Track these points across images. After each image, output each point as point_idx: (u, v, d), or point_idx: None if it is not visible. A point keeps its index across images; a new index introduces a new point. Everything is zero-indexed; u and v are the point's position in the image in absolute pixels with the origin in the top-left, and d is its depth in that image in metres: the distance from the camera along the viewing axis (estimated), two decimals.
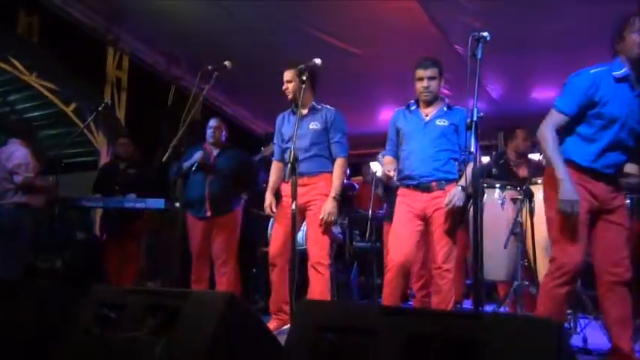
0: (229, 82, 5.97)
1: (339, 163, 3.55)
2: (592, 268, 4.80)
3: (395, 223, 3.33)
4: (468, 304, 5.10)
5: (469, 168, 3.09)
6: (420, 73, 3.26)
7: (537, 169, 4.09)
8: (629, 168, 3.59)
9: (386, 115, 7.23)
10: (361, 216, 5.55)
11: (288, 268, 3.53)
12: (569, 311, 3.47)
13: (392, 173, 3.26)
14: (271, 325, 3.48)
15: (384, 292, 3.32)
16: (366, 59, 5.42)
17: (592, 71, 2.60)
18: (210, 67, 3.08)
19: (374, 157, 5.94)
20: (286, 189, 3.56)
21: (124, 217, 4.74)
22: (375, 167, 5.94)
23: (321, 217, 3.37)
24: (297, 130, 2.96)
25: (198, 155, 4.14)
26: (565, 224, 2.58)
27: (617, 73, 2.57)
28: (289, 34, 5.04)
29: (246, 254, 4.68)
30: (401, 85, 4.35)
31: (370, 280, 5.35)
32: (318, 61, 3.00)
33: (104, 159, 6.08)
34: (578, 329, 3.30)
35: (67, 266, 4.98)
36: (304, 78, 2.98)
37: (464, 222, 4.53)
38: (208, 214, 4.15)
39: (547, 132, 2.63)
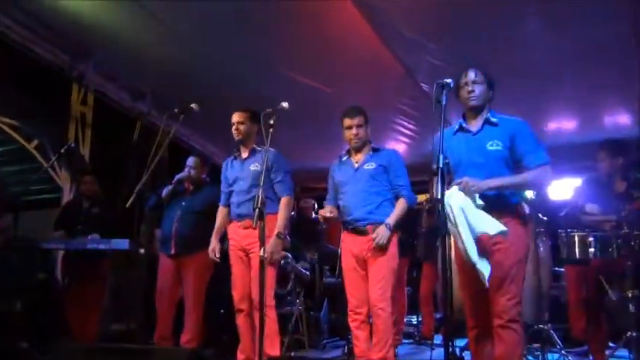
0: (197, 118, 5.97)
1: (283, 202, 3.60)
2: (558, 303, 4.92)
3: (343, 270, 3.45)
4: (438, 339, 5.11)
5: (398, 205, 3.32)
6: (348, 122, 3.45)
7: None
8: (589, 208, 3.69)
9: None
10: (331, 251, 5.53)
11: (255, 313, 3.48)
12: (537, 346, 3.51)
13: (329, 215, 3.41)
14: None
15: (354, 341, 3.38)
16: (333, 96, 5.46)
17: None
18: (176, 110, 3.06)
19: None
20: (232, 232, 3.66)
21: (88, 258, 4.58)
22: None
23: (263, 255, 3.29)
24: (240, 173, 3.01)
25: (178, 176, 4.15)
26: None
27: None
28: (259, 72, 5.05)
29: (215, 292, 4.57)
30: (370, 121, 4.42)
31: (340, 317, 5.30)
32: (285, 104, 3.03)
33: (67, 197, 5.91)
34: None
35: (26, 310, 4.79)
36: (271, 122, 2.98)
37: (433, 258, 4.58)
38: (172, 251, 4.07)
39: None
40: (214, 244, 3.67)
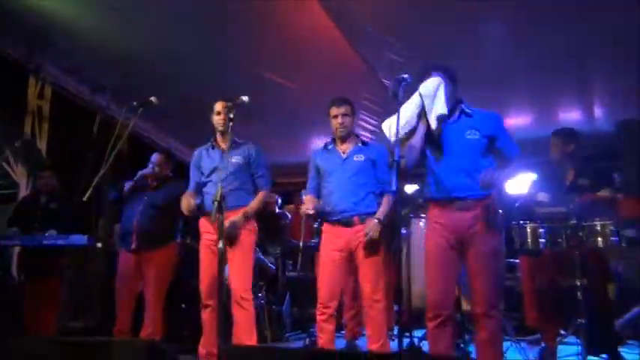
0: (158, 113, 5.91)
1: (261, 193, 3.65)
2: (513, 293, 5.07)
3: (321, 259, 3.43)
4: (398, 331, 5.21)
5: (386, 202, 3.34)
6: (334, 110, 3.45)
7: None
8: (541, 196, 3.82)
9: (318, 144, 7.33)
10: (294, 246, 5.57)
11: (234, 305, 3.48)
12: None
13: (310, 212, 3.36)
14: None
15: (318, 333, 3.38)
16: (298, 91, 5.50)
17: None
18: (135, 103, 3.03)
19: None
20: (205, 225, 3.60)
21: (45, 254, 4.48)
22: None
23: (222, 247, 3.20)
24: (220, 164, 2.96)
25: (141, 172, 4.09)
26: None
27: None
28: (222, 68, 5.05)
29: (176, 288, 4.54)
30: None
31: (303, 310, 5.36)
32: (245, 98, 3.04)
33: (24, 192, 5.77)
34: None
35: None
36: (231, 116, 2.99)
37: (391, 251, 4.66)
38: (133, 246, 4.03)
39: None
40: (190, 201, 3.54)
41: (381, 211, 3.34)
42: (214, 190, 3.34)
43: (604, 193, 3.63)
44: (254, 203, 3.58)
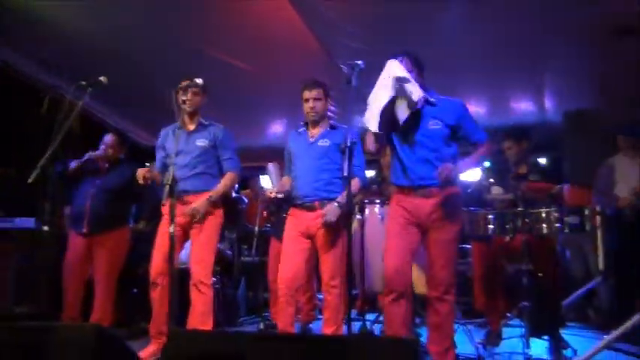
0: (112, 93, 5.74)
1: (228, 175, 3.56)
2: (463, 278, 5.22)
3: (284, 242, 3.43)
4: (352, 314, 5.29)
5: (352, 184, 3.25)
6: (306, 94, 3.42)
7: None
8: (495, 191, 3.92)
9: (275, 129, 7.31)
10: (250, 230, 5.55)
11: (167, 287, 3.42)
12: None
13: (273, 195, 3.37)
14: (151, 348, 3.38)
15: (277, 314, 3.42)
16: (254, 75, 5.44)
17: None
18: (84, 83, 2.93)
19: (263, 171, 6.01)
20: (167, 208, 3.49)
21: None
22: (264, 182, 5.97)
23: (172, 232, 3.09)
24: (177, 146, 2.91)
25: (92, 153, 3.98)
26: None
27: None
28: (174, 48, 4.92)
29: (128, 272, 4.47)
30: (290, 101, 4.43)
31: (257, 294, 5.36)
32: (199, 80, 2.99)
33: None
34: None
35: None
36: (188, 97, 2.93)
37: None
38: (84, 229, 3.95)
39: None
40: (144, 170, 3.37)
41: (343, 194, 3.28)
42: (178, 174, 3.29)
43: (555, 188, 3.75)
44: (220, 187, 3.51)
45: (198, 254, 3.41)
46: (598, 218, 4.62)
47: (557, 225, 3.31)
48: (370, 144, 2.82)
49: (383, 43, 4.90)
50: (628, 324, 2.59)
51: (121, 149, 4.19)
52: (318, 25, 4.70)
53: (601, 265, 4.66)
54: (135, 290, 4.59)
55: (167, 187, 2.64)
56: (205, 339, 1.51)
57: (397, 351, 1.28)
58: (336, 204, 3.27)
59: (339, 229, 3.29)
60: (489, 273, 3.94)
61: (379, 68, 3.15)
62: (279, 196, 3.41)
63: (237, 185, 6.65)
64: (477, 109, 6.45)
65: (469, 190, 4.30)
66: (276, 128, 7.16)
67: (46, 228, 3.83)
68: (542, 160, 6.02)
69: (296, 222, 3.39)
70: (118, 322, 4.21)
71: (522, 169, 3.96)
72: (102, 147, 4.08)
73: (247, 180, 6.83)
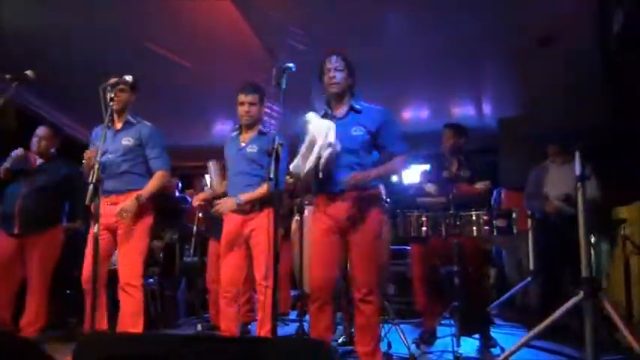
0: (49, 88, 5.57)
1: (157, 174, 3.45)
2: (402, 279, 5.33)
3: (221, 244, 3.46)
4: (293, 315, 5.33)
5: (259, 189, 3.35)
6: (242, 98, 3.44)
7: None
8: (428, 187, 4.04)
9: (219, 129, 7.26)
10: (191, 230, 5.49)
11: (103, 292, 3.38)
12: None
13: (196, 204, 3.57)
14: None
15: (217, 316, 3.38)
16: (198, 73, 5.39)
17: None
18: (8, 76, 2.83)
19: (206, 170, 5.97)
20: (102, 208, 3.41)
21: None
22: (207, 180, 5.92)
23: (97, 232, 2.98)
24: (103, 145, 2.87)
25: (15, 152, 3.84)
26: None
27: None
28: (112, 42, 4.82)
29: (62, 273, 4.33)
30: (232, 101, 4.42)
31: (199, 295, 5.31)
32: (128, 77, 2.95)
33: None
34: (382, 335, 3.57)
35: None
36: (111, 95, 2.88)
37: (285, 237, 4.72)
38: (16, 230, 3.83)
39: None
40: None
41: (247, 193, 3.36)
42: (105, 172, 3.26)
43: (480, 185, 3.88)
44: (149, 186, 3.40)
45: (125, 256, 3.35)
46: (529, 221, 4.86)
47: (486, 227, 3.44)
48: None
49: (326, 45, 5.00)
50: (546, 321, 2.71)
51: (54, 142, 4.06)
52: (260, 26, 4.69)
53: (531, 266, 4.88)
54: (69, 291, 4.46)
55: (91, 186, 2.57)
56: (116, 341, 1.50)
57: (308, 351, 1.31)
58: (234, 198, 3.34)
59: (269, 230, 3.32)
60: (426, 274, 4.04)
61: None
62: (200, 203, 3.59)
63: (180, 185, 6.61)
64: (420, 112, 6.62)
65: (410, 193, 4.41)
66: (220, 128, 7.11)
67: None
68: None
69: (229, 225, 3.43)
70: (52, 323, 4.08)
71: (454, 164, 4.08)
72: (34, 139, 3.93)
73: (191, 179, 6.76)
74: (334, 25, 4.73)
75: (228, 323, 3.36)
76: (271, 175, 2.31)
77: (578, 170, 2.77)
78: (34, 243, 3.85)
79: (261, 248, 3.31)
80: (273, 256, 2.52)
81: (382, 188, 4.90)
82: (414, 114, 6.63)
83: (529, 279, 4.79)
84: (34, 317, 3.80)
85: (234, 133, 3.56)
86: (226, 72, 5.30)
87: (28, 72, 2.86)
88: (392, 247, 5.72)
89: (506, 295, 4.80)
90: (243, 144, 3.47)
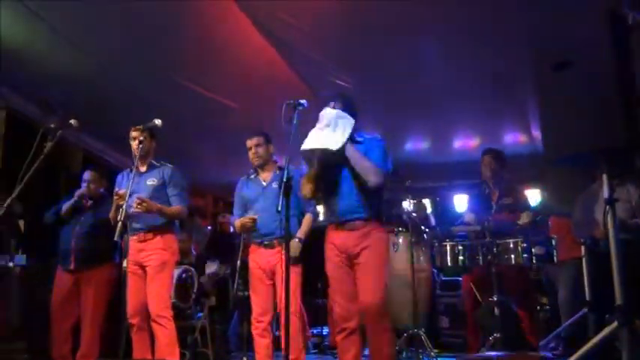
0: (108, 133, 5.97)
1: (175, 207, 3.71)
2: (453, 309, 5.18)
3: (250, 277, 3.63)
4: None
5: (305, 221, 3.55)
6: (248, 143, 3.73)
7: None
8: (468, 217, 3.97)
9: None
10: (245, 266, 5.62)
11: (146, 326, 3.57)
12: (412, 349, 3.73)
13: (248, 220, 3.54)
14: None
15: (255, 349, 3.56)
16: (245, 113, 5.60)
17: None
18: (53, 125, 3.10)
19: None
20: (129, 246, 3.67)
21: None
22: None
23: (125, 267, 3.37)
24: (130, 187, 3.07)
25: (78, 192, 4.14)
26: None
27: None
28: (162, 87, 5.13)
29: (117, 306, 4.54)
30: (279, 138, 4.55)
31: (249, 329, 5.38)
32: (158, 121, 3.16)
33: None
34: None
35: None
36: (142, 138, 3.10)
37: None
38: (71, 266, 4.08)
39: None
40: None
41: (301, 230, 3.55)
42: (132, 212, 3.48)
43: (525, 218, 3.77)
44: (166, 208, 3.65)
45: (151, 290, 3.55)
46: (582, 248, 4.63)
47: (524, 255, 3.34)
48: (305, 190, 2.95)
49: (368, 80, 5.08)
50: (582, 350, 2.57)
51: (102, 183, 4.34)
52: (302, 66, 4.85)
53: (587, 296, 4.60)
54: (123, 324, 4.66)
55: (119, 224, 2.74)
56: None
57: None
58: (296, 239, 3.47)
59: (297, 262, 3.47)
60: (468, 304, 3.95)
61: (363, 105, 3.25)
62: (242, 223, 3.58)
63: (232, 220, 6.81)
64: (469, 141, 6.52)
65: (457, 223, 4.34)
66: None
67: (11, 264, 3.91)
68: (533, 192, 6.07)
69: (257, 258, 3.60)
70: (106, 354, 4.27)
71: (495, 192, 4.00)
72: (83, 184, 4.23)
73: None
74: (374, 60, 4.81)
75: (262, 353, 3.43)
76: (279, 209, 2.39)
77: (606, 193, 2.66)
78: (89, 279, 4.09)
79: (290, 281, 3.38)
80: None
81: (432, 218, 4.88)
82: (463, 143, 6.55)
83: (585, 310, 4.52)
84: (88, 350, 4.00)
85: (252, 175, 3.78)
86: (272, 111, 5.48)
87: (73, 121, 3.12)
88: (443, 278, 5.67)
89: (559, 329, 4.53)
90: (265, 183, 3.69)
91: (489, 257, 3.37)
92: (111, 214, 3.53)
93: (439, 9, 3.88)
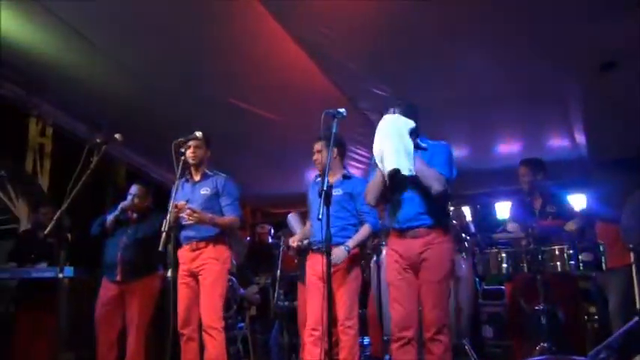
0: (150, 148, 6.13)
1: (229, 217, 3.73)
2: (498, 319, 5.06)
3: (307, 285, 3.64)
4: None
5: (361, 230, 3.50)
6: (315, 146, 3.73)
7: None
8: (510, 226, 3.89)
9: (310, 175, 7.47)
10: (285, 276, 5.66)
11: (196, 336, 3.61)
12: None
13: (295, 244, 3.66)
14: None
15: (305, 356, 3.54)
16: (284, 124, 5.66)
17: None
18: (98, 140, 3.20)
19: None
20: (182, 256, 3.73)
21: (39, 287, 4.59)
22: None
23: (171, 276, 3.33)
24: (183, 196, 3.12)
25: (123, 203, 4.24)
26: None
27: None
28: (208, 103, 5.24)
29: (162, 317, 4.62)
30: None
31: (292, 339, 5.40)
32: (198, 134, 3.23)
33: (24, 227, 5.97)
34: None
35: None
36: (183, 150, 3.17)
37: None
38: (118, 277, 4.17)
39: None
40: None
41: (352, 239, 3.51)
42: (185, 222, 3.56)
43: (572, 225, 3.67)
44: (219, 218, 3.69)
45: (203, 301, 3.58)
46: (631, 255, 4.46)
47: (571, 262, 3.25)
48: (370, 197, 2.93)
49: (408, 89, 5.06)
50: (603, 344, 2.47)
51: (147, 198, 4.43)
52: (335, 73, 4.87)
53: (638, 304, 4.42)
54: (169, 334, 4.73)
55: (164, 234, 2.80)
56: None
57: None
58: (342, 247, 3.44)
59: (350, 270, 3.38)
60: (512, 313, 3.85)
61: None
62: (302, 243, 3.69)
63: (273, 231, 6.86)
64: (512, 147, 6.39)
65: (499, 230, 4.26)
66: (311, 176, 7.31)
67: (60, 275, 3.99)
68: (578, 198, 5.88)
69: (314, 265, 3.58)
70: None
71: (537, 200, 3.91)
72: (129, 197, 4.33)
73: (283, 225, 6.98)
74: (414, 68, 4.79)
75: None
76: (320, 217, 2.40)
77: None
78: (134, 290, 4.18)
79: (343, 289, 3.38)
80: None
81: (472, 226, 4.79)
82: (505, 148, 6.43)
83: (637, 318, 4.34)
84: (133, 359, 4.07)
85: (318, 179, 3.76)
86: (311, 122, 5.52)
87: (117, 135, 3.22)
88: (486, 286, 5.55)
89: (610, 339, 4.36)
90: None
91: (534, 265, 3.29)
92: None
93: (478, 13, 3.83)
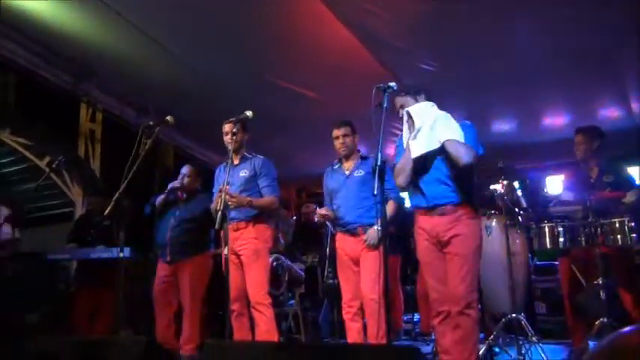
0: (197, 130, 6.22)
1: (266, 197, 3.81)
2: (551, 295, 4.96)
3: (338, 264, 3.72)
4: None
5: (388, 207, 3.53)
6: (336, 132, 3.78)
7: None
8: (565, 195, 3.77)
9: None
10: (333, 254, 5.69)
11: (246, 312, 3.70)
12: (512, 336, 3.61)
13: (324, 212, 3.69)
14: None
15: (347, 332, 3.64)
16: (325, 103, 5.64)
17: None
18: (151, 123, 3.26)
19: None
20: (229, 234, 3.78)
21: (97, 268, 4.76)
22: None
23: (227, 254, 3.48)
24: (227, 178, 3.19)
25: (173, 184, 4.32)
26: None
27: None
28: (253, 85, 5.26)
29: (213, 295, 4.72)
30: (363, 125, 4.55)
31: (340, 316, 5.45)
32: (249, 113, 3.24)
33: (80, 210, 6.20)
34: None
35: (44, 320, 5.01)
36: (235, 130, 3.20)
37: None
38: (168, 258, 4.28)
39: None
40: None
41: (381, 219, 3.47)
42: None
43: (631, 197, 3.53)
44: (259, 200, 3.77)
45: (249, 278, 3.67)
46: None
47: (633, 235, 3.14)
48: (400, 179, 3.00)
49: (453, 63, 4.95)
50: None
51: (197, 179, 4.50)
52: (381, 49, 4.80)
53: None
54: (220, 312, 4.85)
55: (219, 213, 2.85)
56: (235, 349, 1.66)
57: (397, 358, 1.35)
58: (375, 228, 3.49)
59: (378, 248, 3.48)
60: (570, 288, 3.77)
61: (449, 87, 3.12)
62: (325, 212, 3.70)
63: (317, 209, 6.88)
64: (560, 119, 6.20)
65: (551, 204, 4.15)
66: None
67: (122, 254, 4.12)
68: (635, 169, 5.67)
69: (343, 246, 3.68)
70: (210, 337, 4.44)
71: (593, 171, 3.78)
72: (180, 176, 4.41)
73: None
74: (460, 42, 4.68)
75: (354, 337, 3.49)
76: (375, 192, 2.39)
77: None
78: (184, 269, 4.26)
79: (370, 263, 3.48)
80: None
81: (522, 200, 4.69)
82: (555, 121, 6.23)
83: None
84: (189, 337, 4.18)
85: (336, 166, 3.83)
86: (354, 99, 5.48)
87: (169, 117, 3.28)
88: (538, 262, 5.45)
89: None
90: (347, 172, 3.74)
91: (593, 238, 3.19)
92: (212, 206, 3.67)
93: None
